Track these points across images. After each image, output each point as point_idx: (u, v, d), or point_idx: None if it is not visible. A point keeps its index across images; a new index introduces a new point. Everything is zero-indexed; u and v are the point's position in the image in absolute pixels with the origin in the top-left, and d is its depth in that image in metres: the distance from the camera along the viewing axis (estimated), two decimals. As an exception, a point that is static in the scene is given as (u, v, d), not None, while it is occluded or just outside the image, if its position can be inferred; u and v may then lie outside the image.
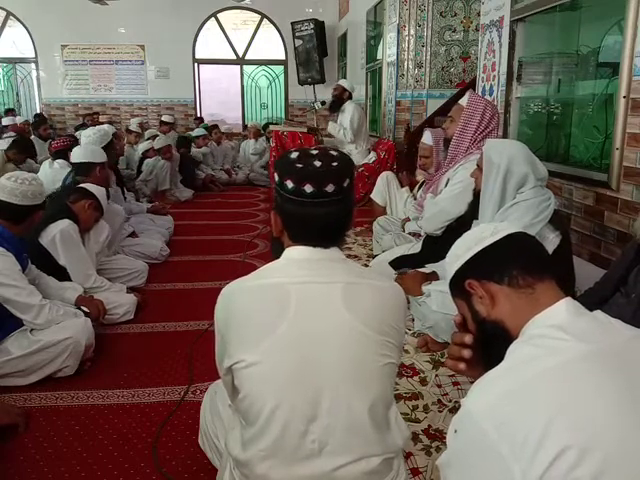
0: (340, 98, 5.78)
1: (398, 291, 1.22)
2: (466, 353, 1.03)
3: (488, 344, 1.00)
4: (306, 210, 1.13)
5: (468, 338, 1.02)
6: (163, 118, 8.41)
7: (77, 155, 3.32)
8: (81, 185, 2.93)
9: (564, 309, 0.90)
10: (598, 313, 0.92)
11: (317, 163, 1.13)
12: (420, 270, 2.71)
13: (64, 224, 2.60)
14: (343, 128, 5.68)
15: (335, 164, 1.14)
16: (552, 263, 1.02)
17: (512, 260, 0.97)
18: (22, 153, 4.99)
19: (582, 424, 0.74)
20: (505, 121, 3.56)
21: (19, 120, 7.98)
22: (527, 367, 0.82)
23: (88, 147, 3.42)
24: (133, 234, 3.79)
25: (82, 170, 3.25)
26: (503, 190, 2.17)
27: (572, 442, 0.72)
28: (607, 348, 0.83)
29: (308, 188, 1.11)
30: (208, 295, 2.79)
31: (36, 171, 4.18)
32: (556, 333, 0.85)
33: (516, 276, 0.95)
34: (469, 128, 2.79)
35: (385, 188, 4.16)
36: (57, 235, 2.56)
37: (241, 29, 10.21)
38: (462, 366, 1.04)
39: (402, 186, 4.21)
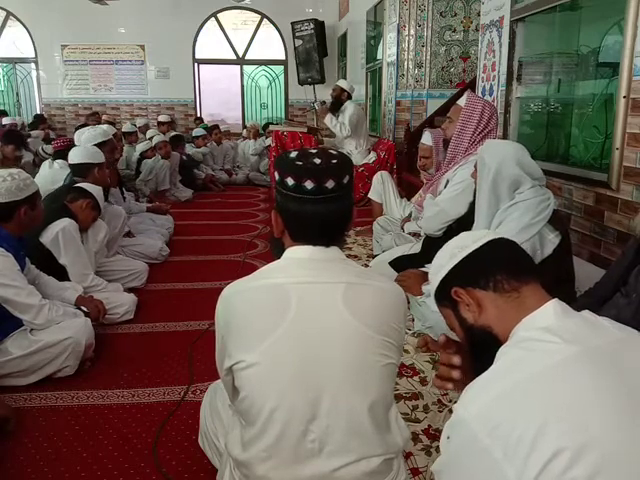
0: (339, 99, 5.78)
1: (398, 291, 1.22)
2: (455, 374, 1.05)
3: (477, 350, 1.00)
4: (307, 207, 1.13)
5: (457, 359, 1.04)
6: (160, 118, 8.40)
7: (74, 156, 3.26)
8: (78, 185, 2.93)
9: (551, 311, 0.90)
10: (586, 313, 0.92)
11: (317, 160, 1.14)
12: (420, 270, 2.71)
13: (65, 222, 2.60)
14: (341, 123, 5.67)
15: (334, 161, 1.15)
16: (536, 266, 1.02)
17: (496, 265, 0.98)
18: (13, 143, 4.94)
19: (576, 425, 0.74)
20: (505, 121, 3.56)
21: (19, 121, 7.98)
22: (517, 370, 0.82)
23: (86, 148, 3.39)
24: (129, 234, 3.78)
25: (80, 171, 3.20)
26: (495, 191, 2.17)
27: (566, 444, 0.73)
28: (597, 349, 0.83)
29: (309, 184, 1.11)
30: (208, 295, 2.81)
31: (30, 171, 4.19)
32: (544, 335, 0.85)
33: (501, 281, 0.96)
34: (468, 129, 2.79)
35: (381, 186, 4.16)
36: (59, 233, 2.57)
37: (241, 29, 10.21)
38: (450, 386, 1.06)
39: (401, 196, 4.21)
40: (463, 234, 1.09)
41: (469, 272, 1.00)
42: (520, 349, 0.86)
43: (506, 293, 0.95)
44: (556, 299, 0.93)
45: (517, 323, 0.92)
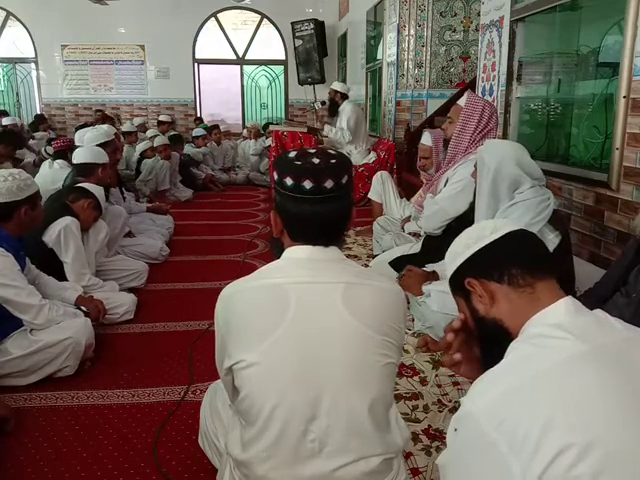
0: (334, 101, 5.78)
1: (398, 291, 1.22)
2: (449, 336, 1.04)
3: (487, 342, 1.00)
4: (305, 207, 1.13)
5: (456, 322, 1.04)
6: (160, 118, 8.43)
7: (79, 156, 3.29)
8: (80, 185, 2.93)
9: (563, 308, 0.90)
10: (598, 312, 0.92)
11: (315, 160, 1.14)
12: (421, 269, 2.71)
13: (67, 220, 2.61)
14: (340, 129, 5.67)
15: (333, 161, 1.15)
16: (553, 261, 1.01)
17: (512, 259, 0.97)
18: (10, 144, 4.94)
19: (583, 422, 0.75)
20: (505, 121, 3.56)
21: (19, 122, 7.98)
22: (527, 366, 0.82)
23: (90, 148, 3.41)
24: (130, 234, 3.78)
25: (84, 171, 3.22)
26: (495, 191, 2.18)
27: (573, 440, 0.73)
28: (607, 347, 0.83)
29: (307, 184, 1.11)
30: (208, 295, 2.80)
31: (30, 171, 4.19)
32: (556, 332, 0.85)
33: (516, 275, 0.95)
34: (468, 128, 2.80)
35: (381, 186, 4.16)
36: (62, 231, 2.57)
37: (241, 29, 10.21)
38: (457, 356, 1.05)
39: (401, 196, 4.21)
40: (483, 222, 1.06)
41: (484, 264, 0.98)
42: (530, 345, 0.86)
43: (520, 288, 0.94)
44: (569, 296, 0.93)
45: (529, 318, 0.91)
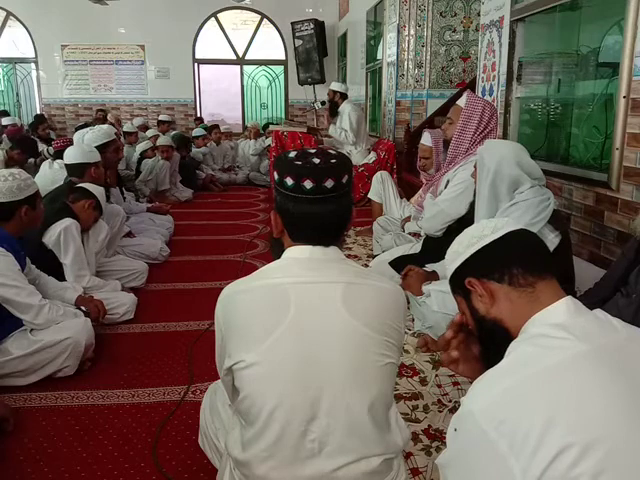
0: (333, 102, 5.78)
1: (398, 291, 1.22)
2: (448, 333, 1.06)
3: (487, 342, 1.00)
4: (306, 207, 1.13)
5: (458, 317, 1.05)
6: (160, 117, 8.44)
7: (70, 156, 3.20)
8: (80, 185, 2.92)
9: (564, 308, 0.90)
10: (598, 312, 0.92)
11: (316, 160, 1.14)
12: (421, 269, 2.71)
13: (67, 222, 2.61)
14: (344, 130, 5.67)
15: (334, 161, 1.15)
16: (553, 261, 1.01)
17: (513, 258, 0.97)
18: (26, 153, 4.99)
19: (583, 422, 0.75)
20: (505, 121, 3.56)
21: (19, 122, 7.97)
22: (527, 366, 0.82)
23: (81, 147, 3.32)
24: (130, 234, 3.78)
25: (76, 171, 3.16)
26: (494, 191, 2.18)
27: (573, 440, 0.73)
28: (607, 347, 0.83)
29: (308, 184, 1.11)
30: (208, 295, 2.81)
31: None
32: (556, 332, 0.85)
33: (516, 275, 0.95)
34: (468, 129, 2.79)
35: (380, 186, 4.17)
36: (62, 233, 2.57)
37: (241, 29, 10.22)
38: (455, 353, 1.06)
39: (401, 196, 4.21)
40: (483, 222, 1.06)
41: (485, 263, 0.99)
42: (531, 345, 0.86)
43: (521, 287, 0.94)
44: (570, 296, 0.93)
45: (529, 318, 0.91)
